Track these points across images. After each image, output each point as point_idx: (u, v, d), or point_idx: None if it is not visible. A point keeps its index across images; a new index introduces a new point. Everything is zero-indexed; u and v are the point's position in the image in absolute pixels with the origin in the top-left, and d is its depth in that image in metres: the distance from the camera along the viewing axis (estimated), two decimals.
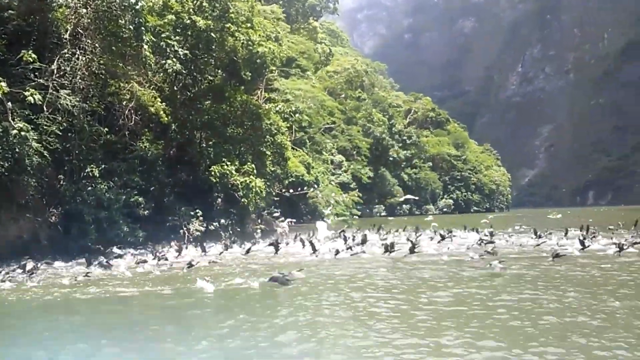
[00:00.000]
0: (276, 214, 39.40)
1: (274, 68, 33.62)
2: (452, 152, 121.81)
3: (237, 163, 31.11)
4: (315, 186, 54.18)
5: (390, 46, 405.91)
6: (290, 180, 51.81)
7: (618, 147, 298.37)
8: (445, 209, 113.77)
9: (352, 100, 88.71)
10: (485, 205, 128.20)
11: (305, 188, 51.23)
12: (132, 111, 27.04)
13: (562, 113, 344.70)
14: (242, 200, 30.18)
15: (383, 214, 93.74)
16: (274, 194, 38.94)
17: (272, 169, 36.11)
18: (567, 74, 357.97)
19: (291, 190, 50.81)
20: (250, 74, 34.24)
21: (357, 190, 64.34)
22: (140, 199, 26.60)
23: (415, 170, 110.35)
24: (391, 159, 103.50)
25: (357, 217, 62.74)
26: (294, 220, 52.21)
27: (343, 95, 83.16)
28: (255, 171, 31.38)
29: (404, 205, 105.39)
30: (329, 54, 75.54)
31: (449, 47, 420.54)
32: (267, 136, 33.08)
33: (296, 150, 52.21)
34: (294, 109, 38.01)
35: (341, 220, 52.42)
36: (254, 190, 30.21)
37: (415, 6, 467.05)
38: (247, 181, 30.14)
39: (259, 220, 35.93)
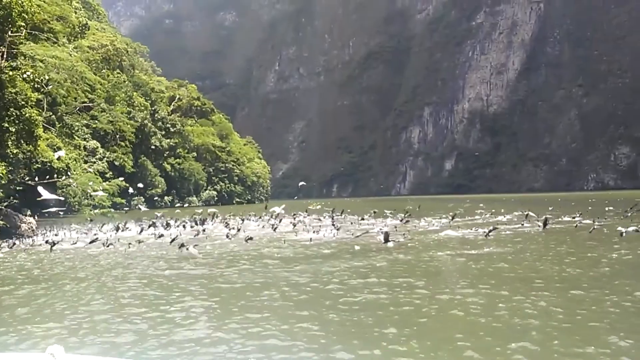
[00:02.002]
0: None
1: (22, 24, 26.73)
2: (217, 143, 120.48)
3: None
4: (68, 174, 46.37)
5: (150, 30, 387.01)
6: (35, 166, 43.47)
7: (358, 144, 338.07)
8: (209, 201, 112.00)
9: (114, 78, 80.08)
10: (247, 196, 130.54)
11: (55, 176, 43.29)
12: None
13: (313, 111, 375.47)
14: None
15: (143, 207, 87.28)
16: (17, 181, 31.36)
17: (15, 150, 29.02)
18: (318, 75, 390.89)
19: (37, 179, 42.33)
20: None
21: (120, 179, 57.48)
22: None
23: (179, 160, 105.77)
24: (153, 147, 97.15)
25: (124, 209, 56.19)
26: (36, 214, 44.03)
27: (104, 71, 74.24)
28: None
29: (165, 198, 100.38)
30: (84, 26, 66.42)
31: (210, 37, 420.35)
32: (11, 109, 26.19)
33: (45, 131, 43.99)
34: (47, 78, 30.98)
35: (102, 213, 45.85)
36: None
37: None
38: None
39: None
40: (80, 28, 63.55)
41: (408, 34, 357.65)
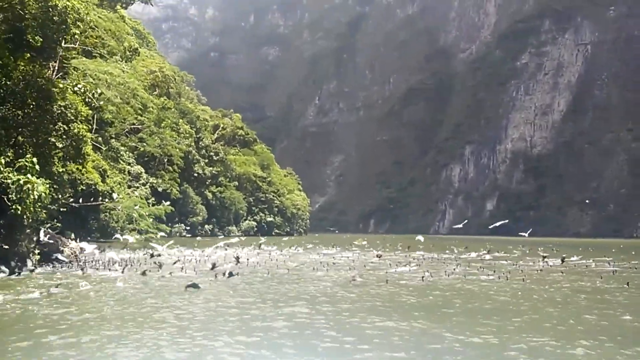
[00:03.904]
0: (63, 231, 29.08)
1: (76, 32, 25.00)
2: (258, 173, 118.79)
3: (10, 154, 21.85)
4: (113, 198, 44.60)
5: (195, 62, 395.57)
6: (80, 188, 41.82)
7: (397, 180, 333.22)
8: (248, 231, 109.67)
9: (164, 102, 79.61)
10: (286, 228, 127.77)
11: (100, 199, 41.54)
12: None
13: (352, 145, 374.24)
14: (14, 207, 20.92)
15: (185, 233, 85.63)
16: (61, 202, 29.27)
17: (62, 169, 26.96)
18: (358, 110, 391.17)
19: (81, 200, 40.26)
20: (42, 40, 25.05)
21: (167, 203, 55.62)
22: None
23: (220, 188, 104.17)
24: (196, 175, 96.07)
25: (164, 234, 54.00)
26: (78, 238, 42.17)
27: (155, 93, 73.71)
28: (37, 168, 22.30)
29: (205, 226, 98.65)
30: (135, 51, 66.25)
31: (253, 71, 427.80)
32: (60, 123, 24.11)
33: (93, 151, 42.47)
34: (99, 91, 29.14)
35: (146, 239, 43.60)
36: (32, 194, 21.21)
37: (223, 27, 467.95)
38: (22, 181, 20.97)
39: (37, 237, 26.25)
40: (131, 52, 63.26)
41: (450, 72, 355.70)
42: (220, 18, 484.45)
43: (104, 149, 57.08)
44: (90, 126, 30.78)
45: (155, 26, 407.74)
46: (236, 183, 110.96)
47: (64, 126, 24.23)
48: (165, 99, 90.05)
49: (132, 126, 54.60)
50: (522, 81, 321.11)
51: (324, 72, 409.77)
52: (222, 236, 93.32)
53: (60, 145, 24.45)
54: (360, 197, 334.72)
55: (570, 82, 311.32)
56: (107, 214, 48.09)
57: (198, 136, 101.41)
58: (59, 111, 24.00)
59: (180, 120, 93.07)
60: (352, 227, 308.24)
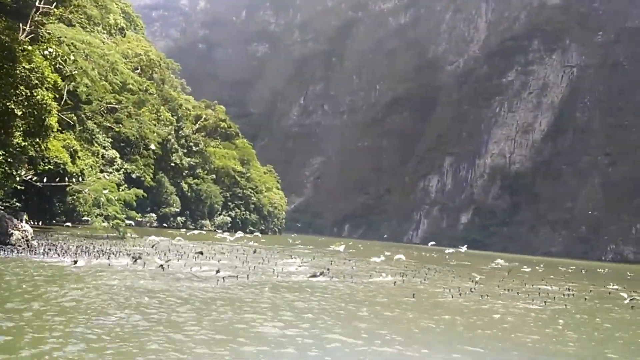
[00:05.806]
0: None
1: None
2: (237, 168, 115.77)
3: None
4: (81, 179, 41.55)
5: (183, 52, 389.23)
6: (46, 167, 38.85)
7: (375, 187, 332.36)
8: (222, 226, 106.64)
9: (145, 83, 76.28)
10: (261, 226, 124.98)
11: (66, 180, 38.56)
12: None
13: (333, 149, 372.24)
14: None
15: (155, 224, 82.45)
16: (17, 179, 26.25)
17: (22, 142, 24.12)
18: (342, 114, 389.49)
19: (45, 180, 37.01)
20: None
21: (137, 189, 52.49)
22: None
23: (197, 180, 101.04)
24: (173, 164, 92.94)
25: (132, 223, 50.92)
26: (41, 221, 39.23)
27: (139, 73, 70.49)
28: None
29: (178, 218, 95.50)
30: (121, 30, 62.79)
31: (240, 66, 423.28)
32: (22, 87, 21.27)
33: (61, 132, 39.52)
34: (72, 58, 26.26)
35: (113, 225, 40.67)
36: None
37: (213, 19, 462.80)
38: None
39: None
40: (117, 30, 60.14)
41: (436, 83, 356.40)
42: (211, 10, 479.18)
43: (78, 128, 53.89)
44: (58, 95, 27.92)
45: (145, 13, 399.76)
46: (214, 176, 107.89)
47: (27, 91, 21.35)
48: (146, 81, 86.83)
49: (108, 105, 51.36)
50: (506, 98, 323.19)
51: (311, 74, 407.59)
52: (196, 230, 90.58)
53: (19, 112, 21.45)
54: (336, 201, 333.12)
55: (553, 102, 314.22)
56: (74, 196, 45.08)
57: (179, 125, 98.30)
58: (23, 74, 21.19)
59: (162, 107, 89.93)
60: (327, 230, 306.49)
